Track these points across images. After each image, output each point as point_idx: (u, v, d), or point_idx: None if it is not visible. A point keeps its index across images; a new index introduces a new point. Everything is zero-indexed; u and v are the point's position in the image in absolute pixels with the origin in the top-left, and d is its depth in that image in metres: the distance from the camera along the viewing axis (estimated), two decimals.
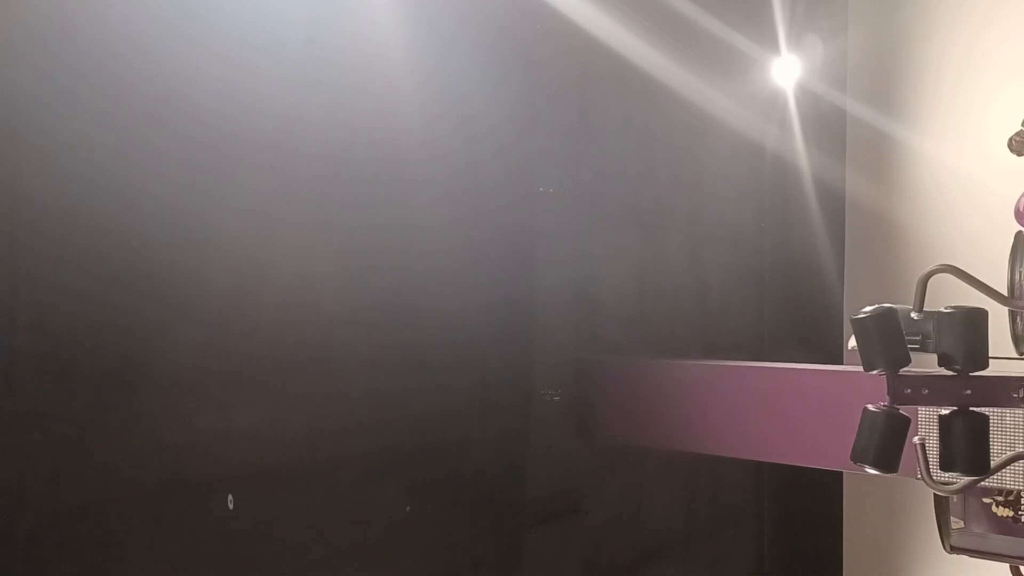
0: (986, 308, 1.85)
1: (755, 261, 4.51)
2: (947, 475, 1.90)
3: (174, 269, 2.46)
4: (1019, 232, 3.12)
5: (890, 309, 1.78)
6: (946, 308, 1.79)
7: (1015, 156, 3.50)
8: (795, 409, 2.95)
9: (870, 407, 1.77)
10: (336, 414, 2.65)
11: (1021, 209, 3.25)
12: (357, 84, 2.85)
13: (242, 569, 2.39)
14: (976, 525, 3.03)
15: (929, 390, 1.75)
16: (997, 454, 1.93)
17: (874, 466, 1.81)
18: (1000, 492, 2.89)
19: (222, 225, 2.55)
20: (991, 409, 1.77)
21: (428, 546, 2.76)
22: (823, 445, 2.78)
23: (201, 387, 2.37)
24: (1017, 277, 2.93)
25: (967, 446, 1.74)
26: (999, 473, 2.04)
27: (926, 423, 2.37)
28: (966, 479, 1.86)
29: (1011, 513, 2.91)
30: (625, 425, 3.35)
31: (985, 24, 4.15)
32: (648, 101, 3.88)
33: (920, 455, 1.84)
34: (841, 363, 3.80)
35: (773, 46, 4.41)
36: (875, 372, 1.78)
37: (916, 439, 1.85)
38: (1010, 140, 3.45)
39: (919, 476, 1.84)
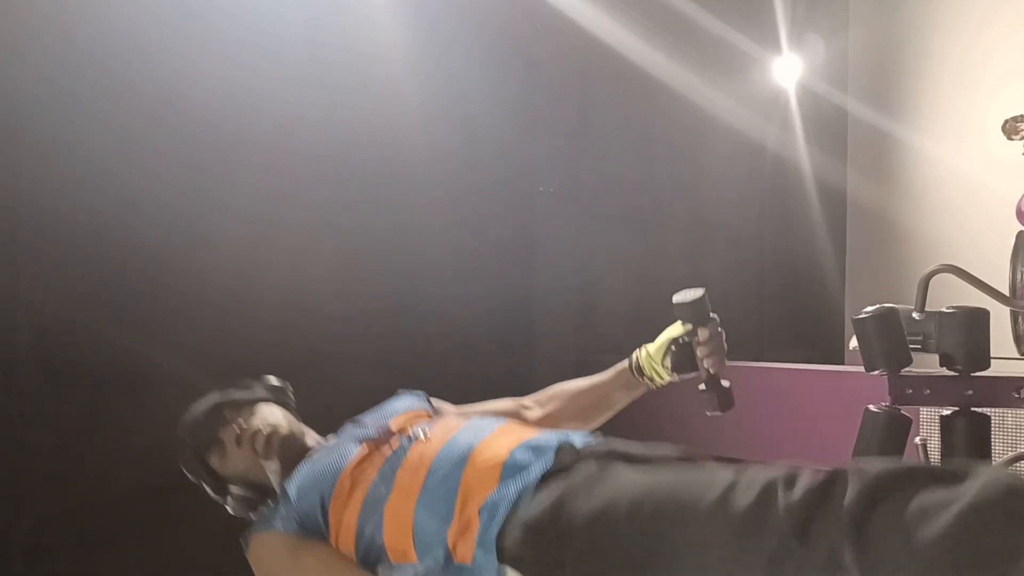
0: (988, 308, 1.85)
1: (756, 261, 4.50)
2: None
3: (174, 269, 2.46)
4: (1020, 232, 3.11)
5: (891, 309, 1.77)
6: (948, 308, 1.78)
7: (1008, 141, 3.48)
8: (795, 409, 2.95)
9: (871, 407, 1.76)
10: (336, 414, 2.65)
11: (1022, 209, 3.24)
12: (357, 84, 2.85)
13: (242, 569, 2.39)
14: None
15: (931, 390, 1.75)
16: (999, 455, 1.92)
17: None
18: None
19: (222, 225, 2.55)
20: (993, 409, 1.76)
21: None
22: (824, 445, 2.78)
23: (200, 387, 2.37)
24: (1019, 277, 2.93)
25: (968, 446, 1.73)
26: None
27: (927, 423, 2.37)
28: None
29: None
30: (625, 425, 3.34)
31: (986, 24, 4.15)
32: (648, 101, 3.87)
33: (921, 455, 1.84)
34: (842, 363, 3.80)
35: (774, 45, 4.41)
36: (876, 372, 1.78)
37: (917, 439, 1.84)
38: (1005, 122, 3.44)
39: None
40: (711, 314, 1.66)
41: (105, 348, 2.28)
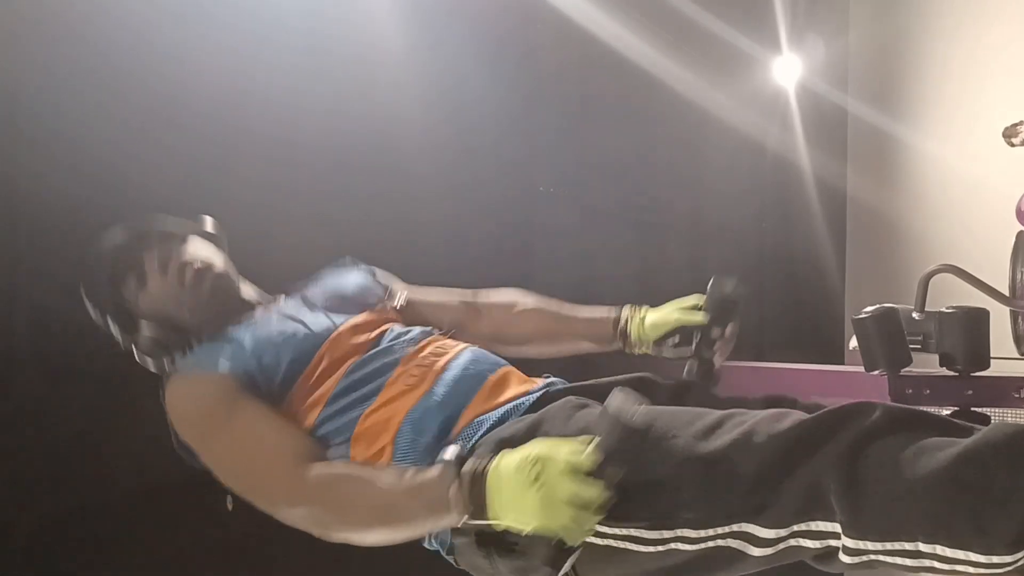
0: (988, 308, 1.85)
1: (755, 261, 4.50)
2: None
3: None
4: (1021, 232, 3.11)
5: (891, 309, 1.77)
6: (947, 308, 1.79)
7: (1009, 147, 3.48)
8: None
9: None
10: None
11: (1022, 209, 3.24)
12: (357, 84, 2.85)
13: (242, 569, 2.39)
14: None
15: (931, 390, 1.75)
16: None
17: None
18: None
19: (222, 221, 2.54)
20: (993, 409, 1.76)
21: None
22: None
23: None
24: (1019, 277, 2.92)
25: None
26: None
27: None
28: None
29: None
30: None
31: (988, 23, 4.14)
32: (648, 100, 3.87)
33: None
34: (842, 363, 3.80)
35: (774, 45, 4.41)
36: (876, 372, 1.78)
37: None
38: (1004, 130, 3.45)
39: None
40: None
41: (105, 347, 2.28)
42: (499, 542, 1.20)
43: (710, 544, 1.13)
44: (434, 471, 1.18)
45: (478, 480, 1.12)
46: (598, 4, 3.45)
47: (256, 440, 1.35)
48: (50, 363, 2.24)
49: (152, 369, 1.55)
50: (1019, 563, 0.97)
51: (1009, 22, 4.05)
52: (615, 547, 1.18)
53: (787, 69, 4.44)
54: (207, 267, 1.57)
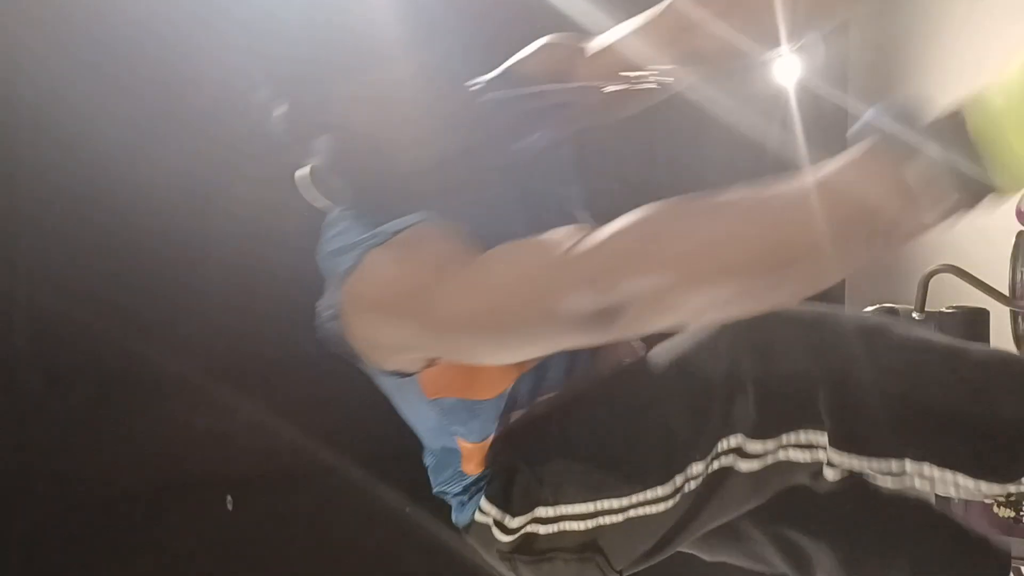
0: (987, 308, 1.84)
1: None
2: None
3: (175, 267, 2.45)
4: (1021, 232, 3.10)
5: (891, 309, 1.77)
6: (947, 308, 1.78)
7: None
8: None
9: None
10: (337, 414, 2.65)
11: (1022, 209, 3.23)
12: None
13: (242, 569, 2.39)
14: (976, 526, 3.01)
15: None
16: None
17: None
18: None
19: (226, 219, 2.54)
20: None
21: (428, 547, 2.76)
22: None
23: (201, 387, 2.37)
24: (1019, 277, 2.92)
25: None
26: None
27: None
28: None
29: (1012, 514, 2.90)
30: None
31: (989, 24, 4.14)
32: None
33: None
34: None
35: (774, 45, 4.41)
36: None
37: None
38: None
39: None
40: None
41: (105, 347, 2.28)
42: (527, 551, 1.15)
43: (711, 470, 1.09)
44: (850, 154, 0.69)
45: (958, 126, 0.63)
46: (599, 6, 3.45)
47: (512, 246, 0.98)
48: (50, 363, 2.24)
49: (309, 198, 1.11)
50: (1005, 493, 0.94)
51: (1010, 23, 4.05)
52: (633, 518, 1.12)
53: (787, 69, 4.43)
54: (465, 102, 1.13)
